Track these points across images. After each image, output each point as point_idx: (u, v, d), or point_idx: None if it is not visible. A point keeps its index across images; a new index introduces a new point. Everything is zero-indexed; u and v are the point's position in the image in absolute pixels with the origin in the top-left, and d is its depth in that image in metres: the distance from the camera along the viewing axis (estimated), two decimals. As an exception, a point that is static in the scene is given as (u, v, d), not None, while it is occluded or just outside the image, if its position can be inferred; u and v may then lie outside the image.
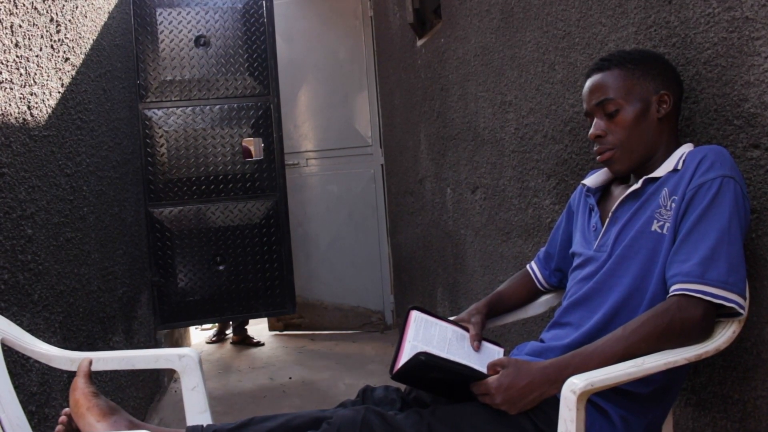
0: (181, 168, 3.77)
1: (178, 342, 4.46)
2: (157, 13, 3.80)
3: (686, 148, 1.38)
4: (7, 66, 1.95)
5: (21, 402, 1.87)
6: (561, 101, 2.13)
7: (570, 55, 2.05)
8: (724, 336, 1.22)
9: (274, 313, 3.96)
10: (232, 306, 3.84)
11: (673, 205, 1.30)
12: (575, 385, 1.13)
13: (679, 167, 1.33)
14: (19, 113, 2.01)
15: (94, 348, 2.54)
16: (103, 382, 2.62)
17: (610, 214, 1.45)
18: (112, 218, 2.91)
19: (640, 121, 1.40)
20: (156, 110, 3.76)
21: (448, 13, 3.14)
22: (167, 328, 3.90)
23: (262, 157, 3.95)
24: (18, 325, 1.90)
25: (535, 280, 1.78)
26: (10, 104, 1.96)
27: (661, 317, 1.21)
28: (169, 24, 3.81)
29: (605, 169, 1.55)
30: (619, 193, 1.48)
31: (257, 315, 4.06)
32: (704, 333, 1.22)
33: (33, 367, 1.95)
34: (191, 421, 1.53)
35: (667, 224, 1.30)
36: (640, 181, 1.38)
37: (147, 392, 3.36)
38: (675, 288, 1.23)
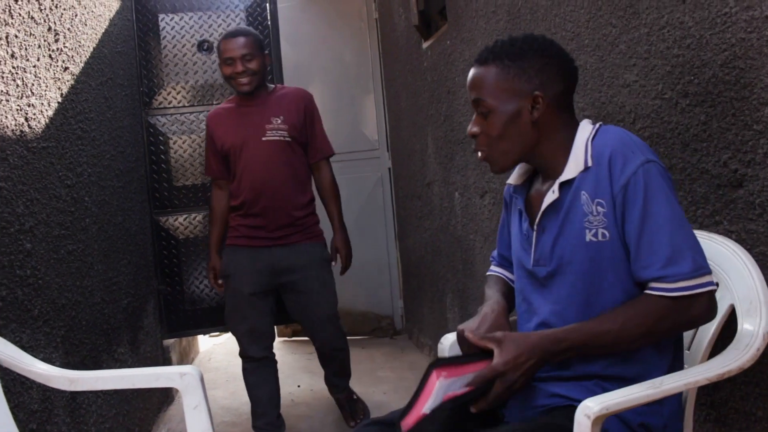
0: (186, 175, 3.73)
1: (186, 350, 4.43)
2: (160, 19, 3.76)
3: (584, 132, 1.33)
4: (2, 78, 1.91)
5: (21, 421, 1.83)
6: (571, 104, 2.07)
7: (579, 57, 1.99)
8: (747, 354, 1.16)
9: (283, 320, 3.91)
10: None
11: (601, 209, 1.27)
12: (590, 409, 1.08)
13: (590, 164, 1.29)
14: (16, 125, 1.97)
15: (98, 362, 2.50)
16: (108, 394, 2.57)
17: (536, 223, 1.39)
18: (116, 228, 2.87)
19: (511, 124, 1.35)
20: (160, 117, 3.72)
21: (454, 15, 3.09)
22: (174, 338, 3.86)
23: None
24: (18, 342, 1.86)
25: (510, 282, 1.67)
26: (6, 116, 1.92)
27: (663, 318, 1.20)
28: (172, 29, 3.77)
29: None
30: (539, 193, 1.41)
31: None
32: (707, 317, 1.22)
33: (33, 384, 1.91)
34: (193, 441, 1.49)
35: (602, 230, 1.27)
36: (556, 188, 1.33)
37: (154, 402, 3.32)
38: (656, 291, 1.22)
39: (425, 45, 3.59)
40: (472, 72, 1.41)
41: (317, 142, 2.92)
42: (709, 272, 1.20)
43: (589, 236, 1.28)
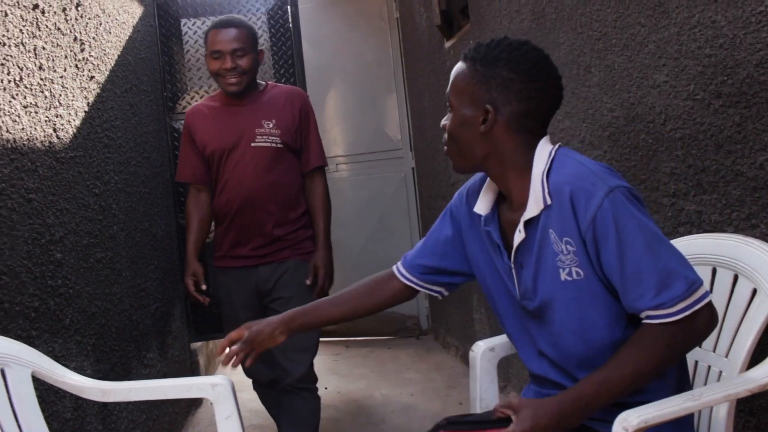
0: (210, 179, 3.74)
1: (213, 353, 4.45)
2: (182, 24, 3.77)
3: (540, 162, 1.26)
4: (31, 89, 1.93)
5: (55, 429, 1.85)
6: (599, 105, 2.05)
7: (607, 57, 1.97)
8: (789, 363, 1.13)
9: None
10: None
11: (570, 247, 1.22)
12: (629, 422, 1.06)
13: (549, 202, 1.23)
14: (44, 136, 1.99)
15: (128, 368, 2.52)
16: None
17: (512, 261, 1.33)
18: (143, 234, 2.89)
19: (463, 129, 1.31)
20: (183, 121, 3.74)
21: (476, 15, 3.06)
22: (201, 341, 3.88)
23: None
24: (50, 351, 1.88)
25: (404, 280, 1.59)
26: (35, 128, 1.93)
27: (672, 344, 1.16)
28: (194, 34, 3.78)
29: (485, 182, 1.41)
30: (510, 224, 1.34)
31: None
32: (712, 327, 1.18)
33: (66, 393, 1.93)
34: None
35: (575, 269, 1.23)
36: (522, 228, 1.27)
37: (183, 405, 3.34)
38: (655, 319, 1.16)
39: (448, 44, 3.56)
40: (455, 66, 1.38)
41: (312, 150, 2.55)
42: (701, 282, 1.16)
43: (563, 275, 1.24)
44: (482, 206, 1.39)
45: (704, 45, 1.54)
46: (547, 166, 1.25)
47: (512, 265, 1.33)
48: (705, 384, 1.39)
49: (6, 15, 1.80)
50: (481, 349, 1.68)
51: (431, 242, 1.55)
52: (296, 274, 2.48)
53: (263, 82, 2.59)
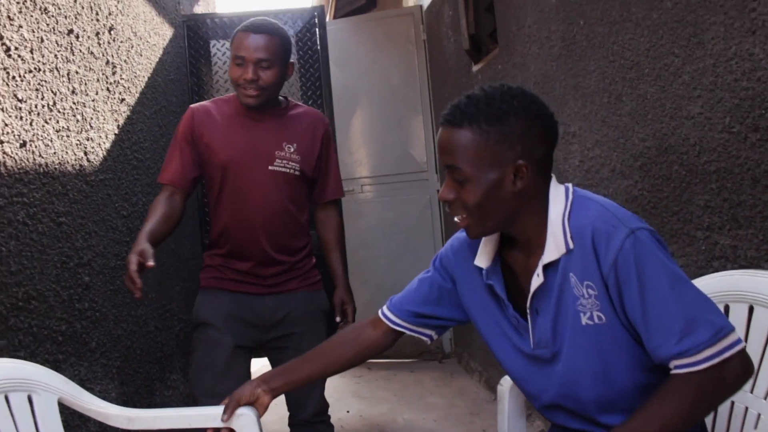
0: (236, 199, 3.76)
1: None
2: (211, 45, 3.81)
3: (557, 204, 1.21)
4: (64, 114, 1.95)
5: (79, 453, 1.85)
6: (630, 134, 2.02)
7: (639, 87, 1.94)
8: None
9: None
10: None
11: (591, 291, 1.16)
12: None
13: (572, 246, 1.18)
14: (75, 160, 2.01)
15: (151, 390, 2.52)
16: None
17: (527, 308, 1.25)
18: (169, 255, 2.90)
19: (492, 194, 1.20)
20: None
21: (505, 39, 3.05)
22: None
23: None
24: (76, 374, 1.89)
25: (392, 324, 1.49)
26: (66, 152, 1.95)
27: (700, 396, 1.09)
28: (223, 55, 3.82)
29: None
30: (524, 270, 1.28)
31: (314, 347, 4.00)
32: (745, 378, 1.11)
33: (91, 418, 1.93)
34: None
35: (596, 313, 1.17)
36: (540, 272, 1.21)
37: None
38: (681, 368, 1.10)
39: (475, 68, 3.56)
40: (440, 134, 1.24)
41: (331, 181, 2.32)
42: (730, 328, 1.09)
43: (584, 320, 1.18)
44: (483, 259, 1.31)
45: (741, 77, 1.52)
46: (568, 208, 1.21)
47: (527, 311, 1.26)
48: (742, 429, 1.34)
49: (42, 41, 1.83)
50: (509, 383, 1.64)
51: (425, 289, 1.46)
52: (308, 308, 2.29)
53: (283, 98, 2.30)
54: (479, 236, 1.28)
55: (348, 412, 3.78)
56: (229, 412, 1.46)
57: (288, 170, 2.17)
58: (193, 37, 3.77)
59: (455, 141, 1.21)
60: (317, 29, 3.91)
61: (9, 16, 1.65)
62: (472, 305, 1.38)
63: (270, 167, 2.14)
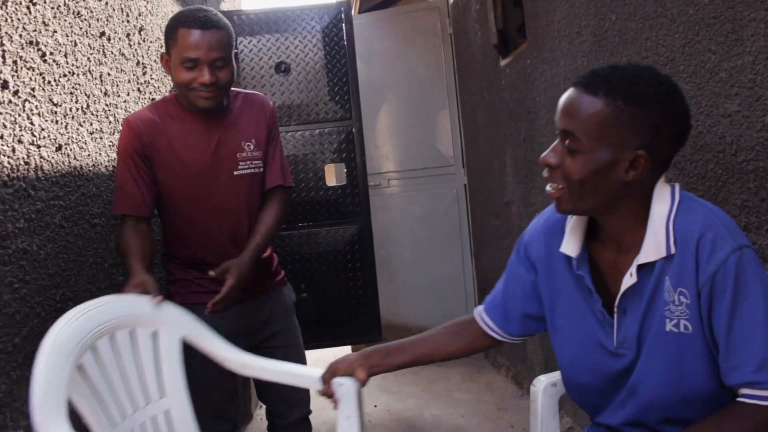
0: (264, 195, 3.78)
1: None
2: (238, 42, 3.83)
3: (662, 204, 1.15)
4: (97, 116, 1.97)
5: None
6: (664, 132, 1.99)
7: (674, 83, 1.91)
8: None
9: (359, 341, 3.91)
10: (316, 335, 3.81)
11: (683, 299, 1.11)
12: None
13: (673, 251, 1.12)
14: (108, 161, 2.03)
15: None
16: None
17: (615, 306, 1.21)
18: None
19: (599, 176, 1.13)
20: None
21: (534, 34, 3.02)
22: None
23: (345, 183, 3.92)
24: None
25: (489, 330, 1.49)
26: (100, 153, 1.98)
27: (756, 428, 1.05)
28: (250, 52, 3.83)
29: (567, 219, 1.28)
30: (612, 269, 1.24)
31: (341, 343, 4.02)
32: None
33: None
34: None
35: (684, 322, 1.12)
36: (634, 272, 1.16)
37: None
38: (749, 398, 1.07)
39: (503, 63, 3.53)
40: (570, 95, 1.16)
41: (277, 163, 2.11)
42: None
43: (669, 326, 1.14)
44: (571, 247, 1.25)
45: (781, 75, 1.49)
46: (674, 210, 1.15)
47: (615, 311, 1.22)
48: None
49: (75, 45, 1.85)
50: (543, 384, 1.64)
51: (520, 287, 1.42)
52: (284, 303, 2.21)
53: None
54: (569, 212, 1.22)
55: (375, 406, 3.80)
56: (327, 382, 1.47)
57: (253, 170, 2.04)
58: (220, 34, 3.79)
59: (583, 106, 1.13)
60: (344, 25, 3.91)
61: (44, 22, 1.67)
62: (554, 294, 1.33)
63: (235, 172, 2.01)
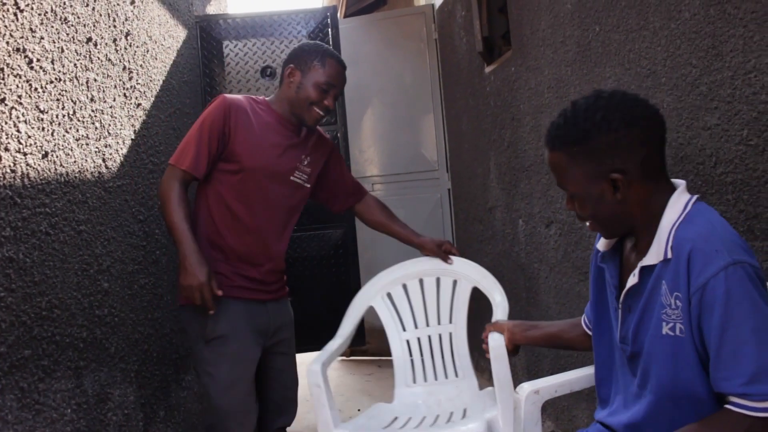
0: (249, 199, 3.77)
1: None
2: (224, 46, 3.83)
3: (673, 210, 1.23)
4: (83, 122, 1.97)
5: None
6: (646, 143, 2.02)
7: (655, 95, 1.94)
8: None
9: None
10: (301, 338, 3.82)
11: (678, 303, 1.17)
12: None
13: (669, 255, 1.19)
14: (94, 167, 2.03)
15: (168, 392, 2.54)
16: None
17: (620, 302, 1.33)
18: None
19: (599, 206, 1.28)
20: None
21: (518, 42, 3.05)
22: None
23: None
24: (96, 380, 1.91)
25: (587, 329, 1.64)
26: (86, 160, 1.97)
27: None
28: (236, 56, 3.83)
29: None
30: (628, 265, 1.35)
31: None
32: None
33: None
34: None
35: (679, 325, 1.17)
36: (637, 273, 1.27)
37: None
38: (737, 407, 1.10)
39: (488, 69, 3.56)
40: (545, 157, 1.36)
41: (352, 183, 2.52)
42: None
43: (665, 329, 1.20)
44: (604, 242, 1.41)
45: (760, 91, 1.52)
46: (680, 219, 1.22)
47: (619, 307, 1.33)
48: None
49: (62, 51, 1.85)
50: (525, 391, 1.66)
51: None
52: (290, 313, 2.34)
53: None
54: (610, 238, 1.39)
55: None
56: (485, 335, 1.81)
57: (302, 181, 2.24)
58: (206, 38, 3.79)
59: (554, 163, 1.32)
60: (330, 30, 3.92)
61: (31, 28, 1.67)
62: (597, 287, 1.48)
63: (291, 177, 2.20)
